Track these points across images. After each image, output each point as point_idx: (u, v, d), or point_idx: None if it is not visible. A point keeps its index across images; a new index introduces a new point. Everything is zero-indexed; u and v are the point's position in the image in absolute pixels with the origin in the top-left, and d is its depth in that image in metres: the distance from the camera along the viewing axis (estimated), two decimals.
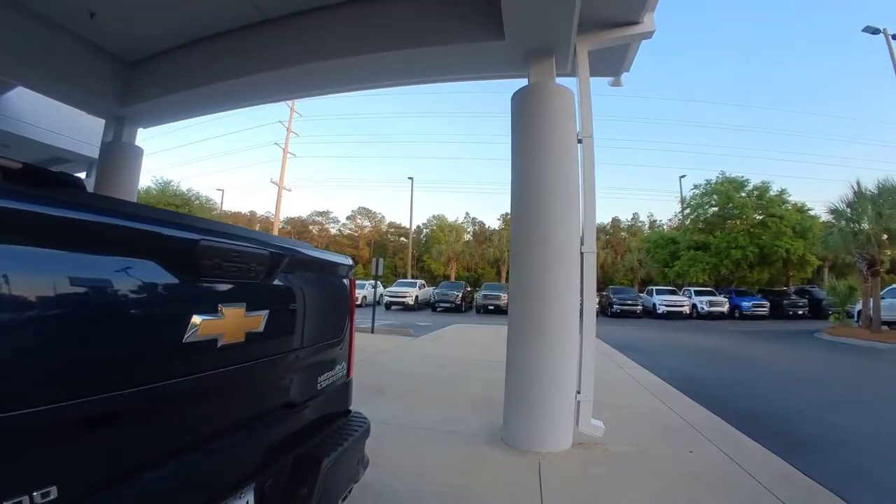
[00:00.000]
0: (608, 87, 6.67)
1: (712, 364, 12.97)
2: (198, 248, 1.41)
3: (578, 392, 5.11)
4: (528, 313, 5.10)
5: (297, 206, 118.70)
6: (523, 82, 5.47)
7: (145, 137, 8.22)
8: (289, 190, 38.48)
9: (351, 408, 2.50)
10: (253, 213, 62.15)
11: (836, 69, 77.59)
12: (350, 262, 2.45)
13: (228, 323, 1.51)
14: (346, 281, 2.40)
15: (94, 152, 8.64)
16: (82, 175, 9.90)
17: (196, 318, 1.39)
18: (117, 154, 7.90)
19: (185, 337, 1.36)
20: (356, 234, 60.66)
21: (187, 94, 6.86)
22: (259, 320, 1.63)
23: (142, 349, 1.27)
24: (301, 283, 1.95)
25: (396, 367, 9.28)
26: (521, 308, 5.17)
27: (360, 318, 15.07)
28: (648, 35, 5.44)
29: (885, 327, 19.34)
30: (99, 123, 8.08)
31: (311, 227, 63.52)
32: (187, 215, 1.53)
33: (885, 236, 19.56)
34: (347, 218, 64.86)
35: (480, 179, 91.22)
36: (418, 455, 4.62)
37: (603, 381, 5.38)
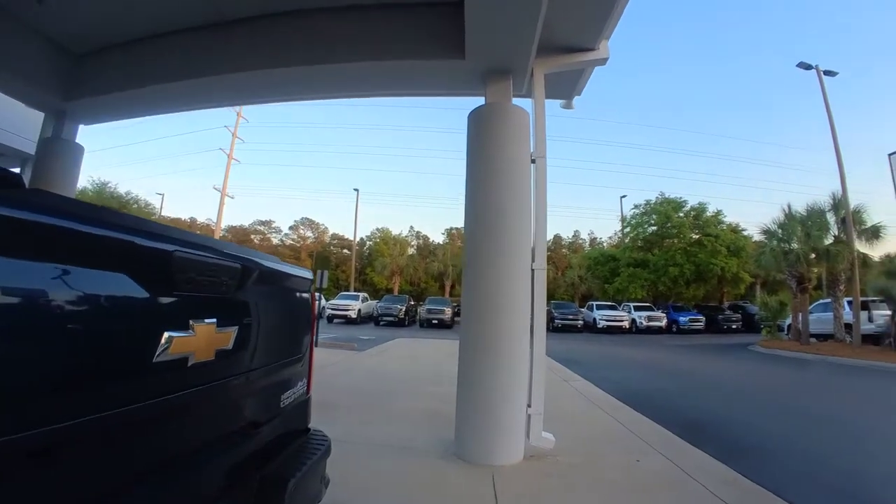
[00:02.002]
0: (559, 108, 6.86)
1: (653, 376, 13.42)
2: (173, 259, 1.34)
3: (529, 405, 5.19)
4: (479, 328, 5.14)
5: (239, 215, 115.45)
6: (480, 100, 5.55)
7: (83, 133, 7.65)
8: (232, 197, 37.27)
9: (310, 425, 2.44)
10: (193, 220, 59.88)
11: (771, 99, 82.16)
12: (310, 274, 2.39)
13: (199, 340, 1.43)
14: (306, 295, 2.34)
15: (29, 147, 8.07)
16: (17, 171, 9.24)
17: (167, 335, 1.31)
18: (56, 151, 7.32)
19: (156, 356, 1.28)
20: (298, 245, 59.47)
21: (134, 92, 6.45)
22: (229, 337, 1.56)
23: (108, 369, 1.17)
24: (267, 298, 1.88)
25: (344, 382, 9.12)
26: (473, 323, 5.20)
27: None
28: (602, 62, 5.64)
29: (813, 339, 20.73)
30: (37, 117, 7.47)
31: (252, 236, 61.81)
32: (159, 224, 1.44)
33: (812, 255, 20.98)
34: (290, 228, 63.49)
35: (426, 193, 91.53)
36: (374, 472, 4.56)
37: (549, 394, 5.47)
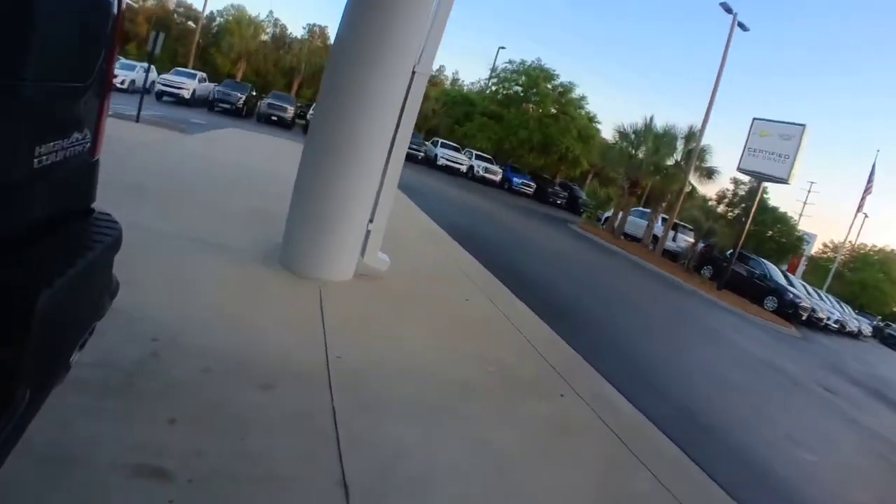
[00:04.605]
0: None
1: (483, 223, 13.97)
2: None
3: (371, 221, 4.75)
4: (334, 126, 4.42)
5: None
6: None
7: None
8: None
9: (94, 206, 1.65)
10: None
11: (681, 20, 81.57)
12: None
13: None
14: None
15: None
16: None
17: None
18: None
19: None
20: (136, 6, 49.14)
21: None
22: None
23: None
24: None
25: (162, 165, 7.81)
26: (329, 120, 4.47)
27: (126, 105, 12.48)
28: None
29: (622, 237, 23.35)
30: None
31: None
32: None
33: (652, 168, 22.66)
34: None
35: None
36: (182, 272, 3.85)
37: None
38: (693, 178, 23.45)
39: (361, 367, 3.18)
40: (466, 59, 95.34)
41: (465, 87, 49.19)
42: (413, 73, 4.45)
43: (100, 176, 1.64)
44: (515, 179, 31.62)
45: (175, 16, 49.03)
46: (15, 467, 1.11)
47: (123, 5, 1.49)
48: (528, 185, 31.71)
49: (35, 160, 1.16)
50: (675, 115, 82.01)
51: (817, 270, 42.35)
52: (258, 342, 3.10)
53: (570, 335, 5.27)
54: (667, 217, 22.91)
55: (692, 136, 22.81)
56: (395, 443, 2.51)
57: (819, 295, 23.99)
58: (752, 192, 22.34)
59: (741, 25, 21.86)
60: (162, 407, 2.23)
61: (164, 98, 23.17)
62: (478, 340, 4.31)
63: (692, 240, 21.55)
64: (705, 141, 22.93)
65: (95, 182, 1.60)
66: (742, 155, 20.31)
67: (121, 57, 26.81)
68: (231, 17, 47.62)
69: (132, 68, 24.59)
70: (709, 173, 23.58)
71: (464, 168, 29.96)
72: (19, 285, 1.05)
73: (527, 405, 3.45)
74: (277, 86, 43.08)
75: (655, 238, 22.90)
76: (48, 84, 1.21)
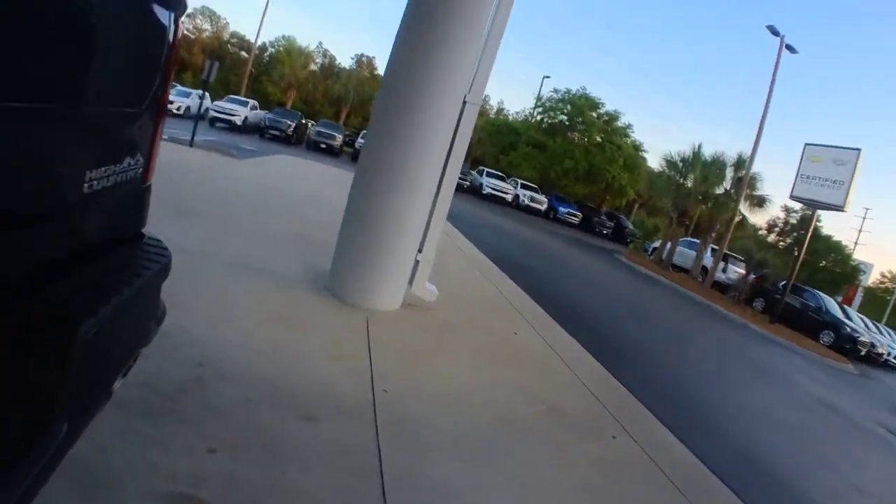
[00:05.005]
0: None
1: (531, 254, 13.87)
2: None
3: (420, 251, 4.68)
4: (386, 156, 4.41)
5: None
6: None
7: None
8: None
9: (145, 231, 1.61)
10: None
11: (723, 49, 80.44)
12: None
13: None
14: (161, 13, 1.34)
15: None
16: None
17: None
18: None
19: None
20: (193, 37, 51.44)
21: None
22: None
23: None
24: None
25: (212, 189, 8.03)
26: (380, 149, 4.47)
27: (179, 129, 12.96)
28: None
29: (671, 268, 22.70)
30: None
31: None
32: None
33: (700, 196, 22.21)
34: (187, 16, 54.86)
35: (343, 11, 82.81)
36: (230, 297, 3.87)
37: None
38: (743, 207, 22.78)
39: (408, 400, 3.08)
40: (511, 88, 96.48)
41: (510, 117, 49.42)
42: (464, 102, 4.41)
43: (151, 199, 1.62)
44: (561, 209, 31.48)
45: (229, 46, 51.26)
46: (45, 488, 1.05)
47: (180, 34, 1.47)
48: (574, 215, 31.51)
49: (86, 185, 1.12)
50: (723, 142, 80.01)
51: (875, 302, 40.19)
52: (303, 371, 3.05)
53: (620, 371, 5.06)
54: (716, 248, 22.20)
55: (741, 163, 22.21)
56: (441, 483, 2.39)
57: (878, 328, 22.45)
58: (805, 220, 21.47)
59: (789, 48, 21.40)
60: (202, 434, 2.18)
61: (218, 124, 24.02)
62: (526, 375, 4.16)
63: (743, 271, 20.73)
64: (755, 168, 22.35)
65: (147, 207, 1.57)
66: (795, 182, 19.60)
67: (177, 84, 28.04)
68: (282, 48, 49.47)
69: (187, 95, 25.60)
70: (759, 202, 22.81)
71: (509, 197, 29.97)
72: (62, 312, 1.00)
73: (577, 446, 3.27)
74: (326, 114, 44.25)
75: (705, 269, 22.12)
76: (102, 109, 1.18)
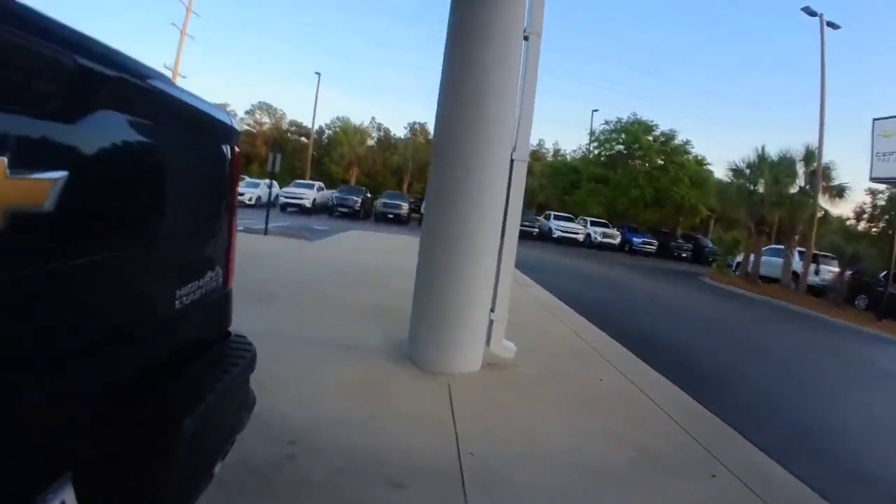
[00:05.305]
0: None
1: (610, 292, 13.50)
2: None
3: (492, 310, 4.75)
4: (446, 221, 4.57)
5: None
6: None
7: None
8: (184, 77, 34.08)
9: (231, 328, 1.82)
10: None
11: (766, 38, 77.80)
12: (231, 121, 1.67)
13: None
14: (225, 148, 1.62)
15: None
16: None
17: None
18: None
19: None
20: (254, 131, 55.57)
21: None
22: (42, 189, 0.86)
23: None
24: (140, 135, 1.16)
25: (291, 273, 8.52)
26: (439, 216, 4.64)
27: (254, 219, 13.88)
28: None
29: (759, 280, 21.27)
30: None
31: None
32: None
33: (775, 199, 20.96)
34: (246, 112, 58.60)
35: (389, 84, 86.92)
36: (315, 374, 4.07)
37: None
38: (823, 201, 21.31)
39: (495, 460, 3.09)
40: (564, 128, 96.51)
41: (568, 156, 49.51)
42: (511, 160, 4.57)
43: (235, 289, 1.82)
44: (635, 239, 30.85)
45: (288, 134, 54.76)
46: None
47: (237, 150, 1.70)
48: (650, 243, 30.74)
49: (177, 302, 1.33)
50: (786, 137, 75.03)
51: None
52: (390, 439, 3.15)
53: (716, 404, 4.81)
54: (803, 250, 20.68)
55: (811, 155, 20.96)
56: None
57: None
58: (894, 199, 19.69)
59: (831, 24, 20.33)
60: None
61: (289, 209, 25.48)
62: (616, 422, 4.05)
63: (837, 269, 19.00)
64: (826, 157, 21.02)
65: (230, 309, 1.78)
66: (871, 162, 18.05)
67: (245, 176, 30.07)
68: (338, 129, 52.37)
69: (256, 185, 27.38)
70: (839, 192, 21.24)
71: (580, 237, 29.83)
72: (166, 415, 1.17)
73: (675, 490, 3.16)
74: (388, 185, 45.94)
75: (796, 275, 20.66)
76: (188, 242, 1.40)
